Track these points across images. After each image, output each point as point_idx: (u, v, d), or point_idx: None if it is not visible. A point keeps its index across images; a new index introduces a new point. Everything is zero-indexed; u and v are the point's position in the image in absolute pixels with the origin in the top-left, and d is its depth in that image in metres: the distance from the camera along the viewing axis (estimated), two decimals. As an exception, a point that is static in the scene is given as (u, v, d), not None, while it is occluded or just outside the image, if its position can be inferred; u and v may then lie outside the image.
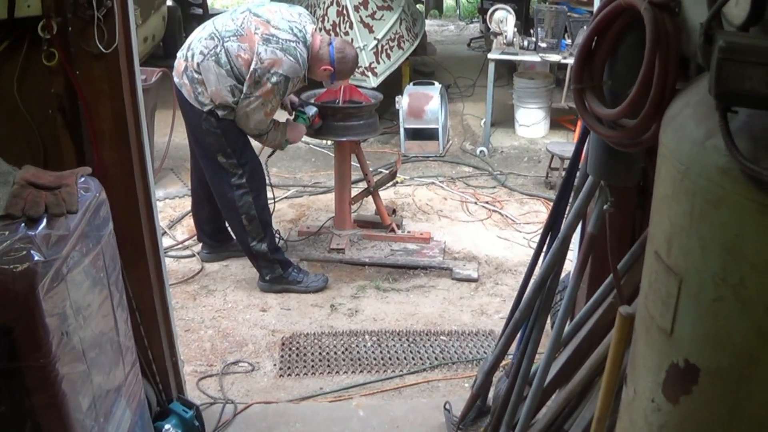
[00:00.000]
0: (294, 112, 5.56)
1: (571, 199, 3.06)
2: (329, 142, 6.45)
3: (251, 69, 4.80)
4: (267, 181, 5.32)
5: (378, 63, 8.37)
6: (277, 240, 5.54)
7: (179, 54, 5.11)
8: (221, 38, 4.86)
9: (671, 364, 1.78)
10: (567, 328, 3.07)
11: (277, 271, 5.36)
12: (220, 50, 4.84)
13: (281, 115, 5.35)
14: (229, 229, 5.62)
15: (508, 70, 10.18)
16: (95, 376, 2.71)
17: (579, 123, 2.97)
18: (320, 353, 4.70)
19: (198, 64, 4.88)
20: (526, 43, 8.42)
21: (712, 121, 1.61)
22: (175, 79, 5.07)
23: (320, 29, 8.08)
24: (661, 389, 1.83)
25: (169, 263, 5.38)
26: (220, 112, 4.90)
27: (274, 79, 4.79)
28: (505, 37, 8.48)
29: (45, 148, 3.11)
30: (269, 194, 5.42)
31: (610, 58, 2.31)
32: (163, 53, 11.41)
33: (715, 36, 1.57)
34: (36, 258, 2.28)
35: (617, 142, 2.33)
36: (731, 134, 1.55)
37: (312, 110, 5.55)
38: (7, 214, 2.38)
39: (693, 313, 1.71)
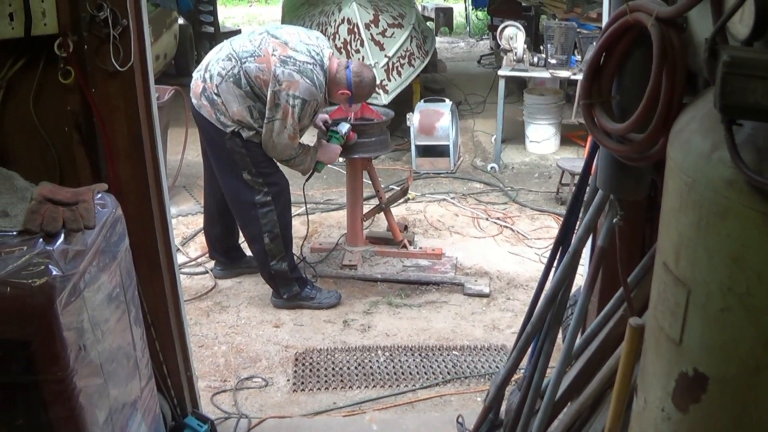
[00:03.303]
0: (327, 133, 5.57)
1: (581, 214, 3.08)
2: (341, 159, 6.48)
3: (270, 91, 4.82)
4: (302, 199, 5.33)
5: (389, 80, 8.40)
6: (296, 260, 5.57)
7: (196, 75, 5.13)
8: (239, 59, 4.89)
9: (680, 373, 1.80)
10: (578, 341, 3.08)
11: (294, 289, 5.38)
12: (239, 71, 4.86)
13: (311, 137, 5.34)
14: (245, 247, 5.64)
15: (518, 87, 10.23)
16: (112, 390, 2.74)
17: (589, 138, 3.00)
18: (333, 368, 4.72)
19: (217, 86, 4.90)
20: (536, 59, 8.45)
21: (718, 134, 1.63)
22: (193, 101, 5.08)
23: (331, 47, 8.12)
24: (671, 398, 1.85)
25: (182, 280, 5.39)
26: (244, 134, 4.92)
27: (291, 101, 4.79)
28: (515, 53, 8.50)
29: (61, 165, 3.14)
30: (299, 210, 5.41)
31: (618, 73, 2.33)
32: (175, 71, 11.47)
33: (719, 51, 1.60)
34: (54, 273, 2.32)
35: (626, 157, 2.35)
36: (736, 147, 1.57)
37: (345, 127, 5.54)
38: (25, 230, 2.42)
39: (701, 322, 1.73)
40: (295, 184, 6.50)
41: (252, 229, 5.24)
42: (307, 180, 5.55)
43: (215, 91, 4.91)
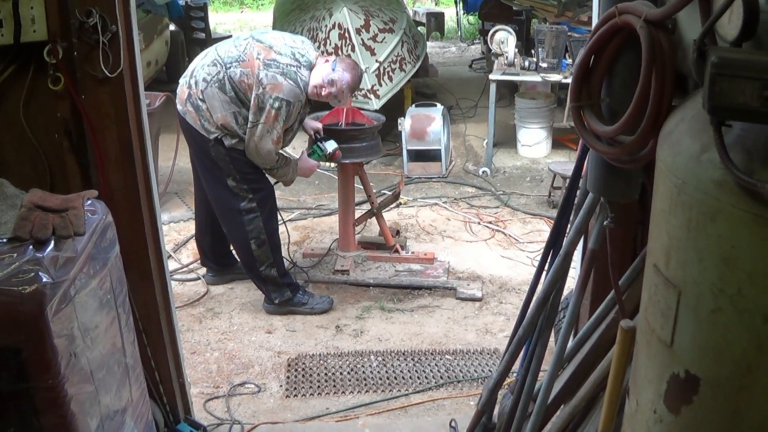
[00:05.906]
0: (312, 145, 5.55)
1: (572, 216, 3.08)
2: (333, 165, 6.49)
3: (254, 95, 4.81)
4: (291, 205, 5.32)
5: (380, 85, 8.41)
6: (287, 265, 5.56)
7: (182, 81, 5.11)
8: (224, 64, 4.87)
9: (672, 375, 1.80)
10: (570, 343, 3.08)
11: (286, 294, 5.36)
12: (224, 77, 4.85)
13: (303, 142, 5.30)
14: (234, 253, 5.63)
15: (509, 91, 10.24)
16: (103, 397, 2.73)
17: (580, 142, 2.99)
18: (326, 374, 4.71)
19: (202, 92, 4.88)
20: (527, 63, 8.47)
21: (707, 135, 1.63)
22: (179, 107, 5.07)
23: (323, 52, 8.13)
24: (663, 400, 1.85)
25: (174, 286, 5.39)
26: (227, 142, 4.90)
27: (276, 104, 4.78)
28: (506, 57, 8.52)
29: (51, 172, 3.14)
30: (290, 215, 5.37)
31: (607, 75, 2.33)
32: (167, 78, 11.47)
33: (708, 52, 1.60)
34: (44, 280, 2.31)
35: (616, 159, 2.35)
36: (726, 148, 1.57)
37: (332, 146, 5.49)
38: (15, 237, 2.41)
39: (692, 324, 1.73)
40: (287, 190, 6.51)
41: (238, 236, 5.22)
42: (274, 185, 5.50)
43: (200, 97, 4.89)
